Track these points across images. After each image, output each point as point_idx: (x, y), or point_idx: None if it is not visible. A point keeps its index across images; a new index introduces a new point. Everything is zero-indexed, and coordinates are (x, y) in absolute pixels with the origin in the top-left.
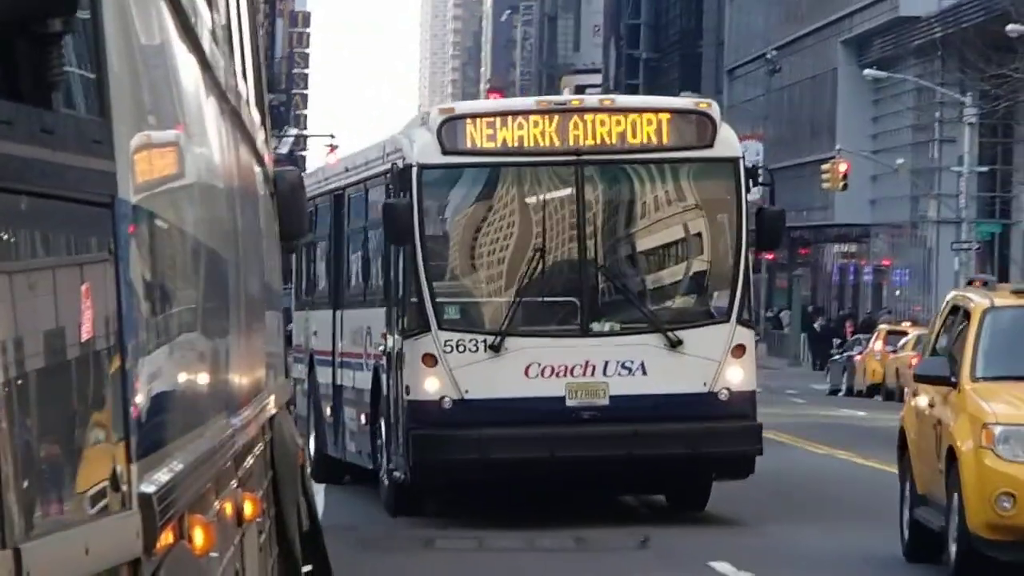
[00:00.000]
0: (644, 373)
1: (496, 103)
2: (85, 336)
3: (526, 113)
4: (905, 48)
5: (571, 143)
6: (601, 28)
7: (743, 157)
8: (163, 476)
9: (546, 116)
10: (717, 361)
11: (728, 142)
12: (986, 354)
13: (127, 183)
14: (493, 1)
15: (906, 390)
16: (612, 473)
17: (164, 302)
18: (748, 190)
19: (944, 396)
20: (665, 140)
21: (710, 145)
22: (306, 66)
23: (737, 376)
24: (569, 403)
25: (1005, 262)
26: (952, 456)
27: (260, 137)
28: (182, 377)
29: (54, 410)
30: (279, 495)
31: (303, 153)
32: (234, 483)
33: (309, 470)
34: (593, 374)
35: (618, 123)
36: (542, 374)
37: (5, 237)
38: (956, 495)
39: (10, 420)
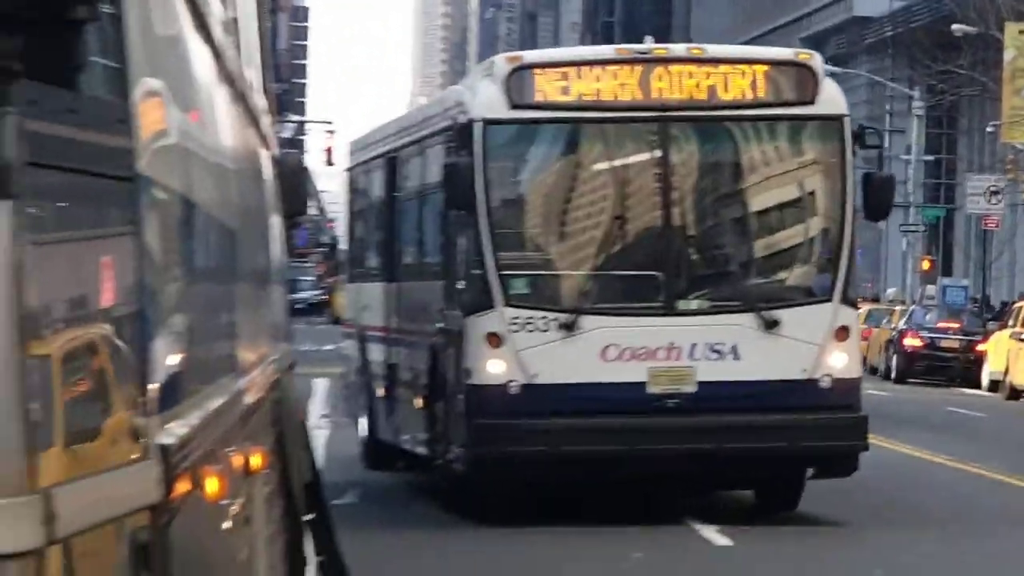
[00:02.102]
0: (736, 357)
1: (571, 51)
2: (109, 300)
3: (604, 63)
4: (858, 46)
5: (655, 97)
6: (579, 25)
7: (849, 116)
8: (179, 430)
9: (627, 67)
10: (818, 345)
11: (832, 98)
12: None
13: (146, 160)
14: (479, 3)
15: None
16: (698, 469)
17: (179, 270)
18: (855, 153)
19: None
20: (761, 95)
21: (811, 102)
22: (305, 57)
23: (840, 362)
24: (651, 390)
25: (948, 244)
26: None
27: (265, 122)
28: (196, 339)
29: (82, 367)
30: (283, 450)
31: (303, 138)
32: (243, 438)
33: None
34: (679, 358)
35: (708, 75)
36: (621, 357)
37: (34, 210)
38: None
39: (43, 376)
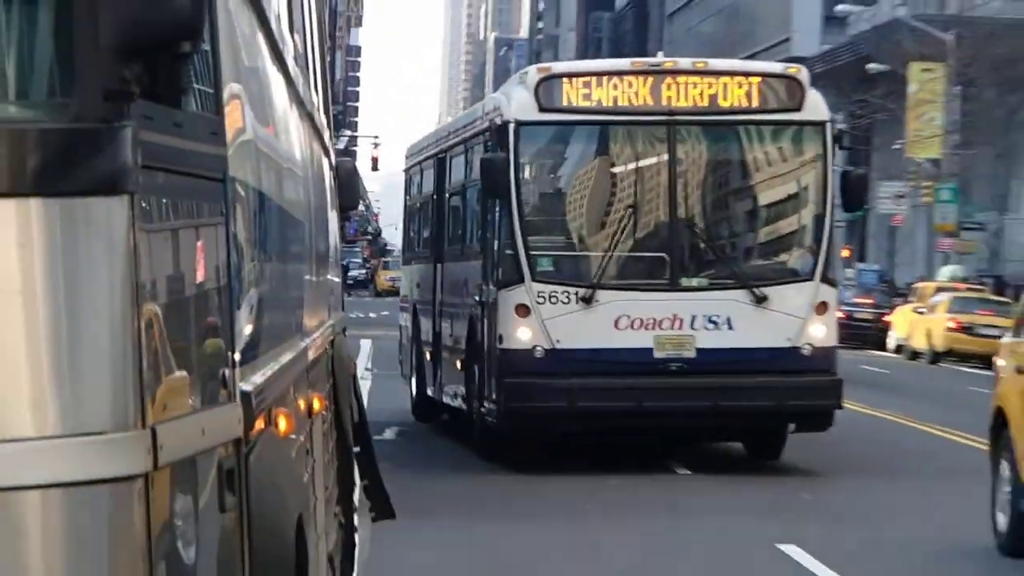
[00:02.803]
0: (730, 328)
1: (592, 63)
2: (204, 276)
3: (621, 74)
4: None
5: (664, 104)
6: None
7: (831, 121)
8: (257, 379)
9: (640, 77)
10: (801, 318)
11: (816, 106)
12: None
13: (234, 164)
14: (494, 40)
15: (1001, 363)
16: (697, 424)
17: (259, 252)
18: (834, 153)
19: None
20: (755, 103)
21: (799, 109)
22: (357, 85)
23: (820, 332)
24: (657, 355)
25: (864, 236)
26: None
27: (326, 135)
28: (270, 307)
29: (183, 329)
30: (337, 396)
31: (354, 148)
32: (306, 386)
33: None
34: (681, 327)
35: (710, 85)
36: (631, 326)
37: (145, 204)
38: None
39: (151, 335)
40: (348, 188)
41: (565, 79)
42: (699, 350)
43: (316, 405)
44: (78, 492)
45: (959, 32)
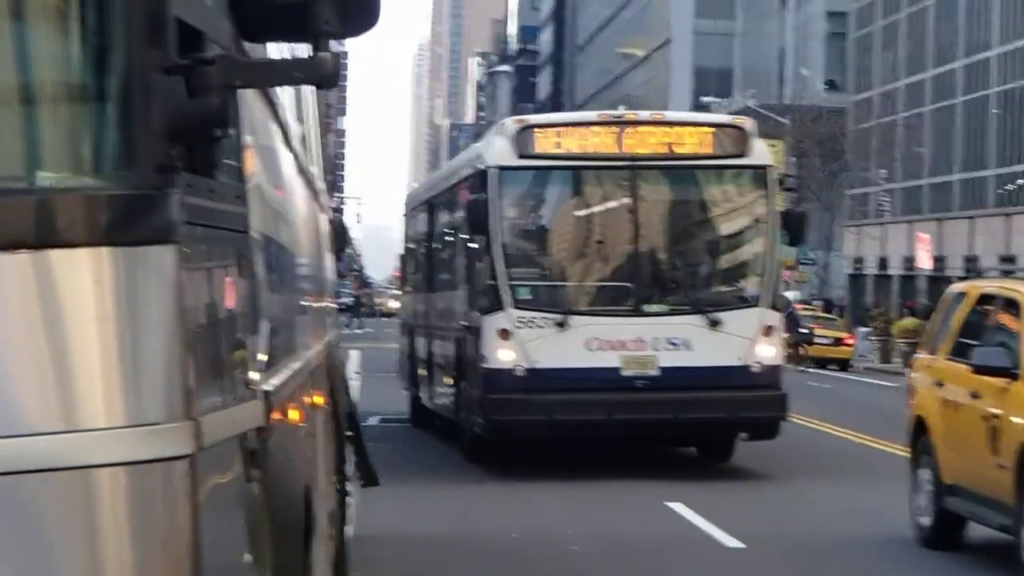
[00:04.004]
0: (688, 348)
1: (562, 116)
2: (233, 304)
3: (588, 124)
4: None
5: (626, 150)
6: None
7: (773, 166)
8: (275, 381)
9: (605, 127)
10: (750, 339)
11: (760, 152)
12: None
13: (254, 220)
14: (448, 125)
15: (914, 375)
16: (659, 433)
17: (273, 285)
18: (777, 194)
19: (1002, 389)
20: (706, 149)
21: (744, 155)
22: (343, 159)
23: (768, 352)
24: (624, 373)
25: None
26: None
27: (322, 196)
28: (283, 326)
29: (217, 344)
30: (333, 393)
31: (343, 207)
32: (311, 385)
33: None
34: (645, 348)
35: (666, 134)
36: (601, 348)
37: (188, 250)
38: None
39: (194, 349)
40: (339, 236)
41: (539, 129)
42: (661, 368)
43: (318, 400)
44: (139, 470)
45: (792, 116)
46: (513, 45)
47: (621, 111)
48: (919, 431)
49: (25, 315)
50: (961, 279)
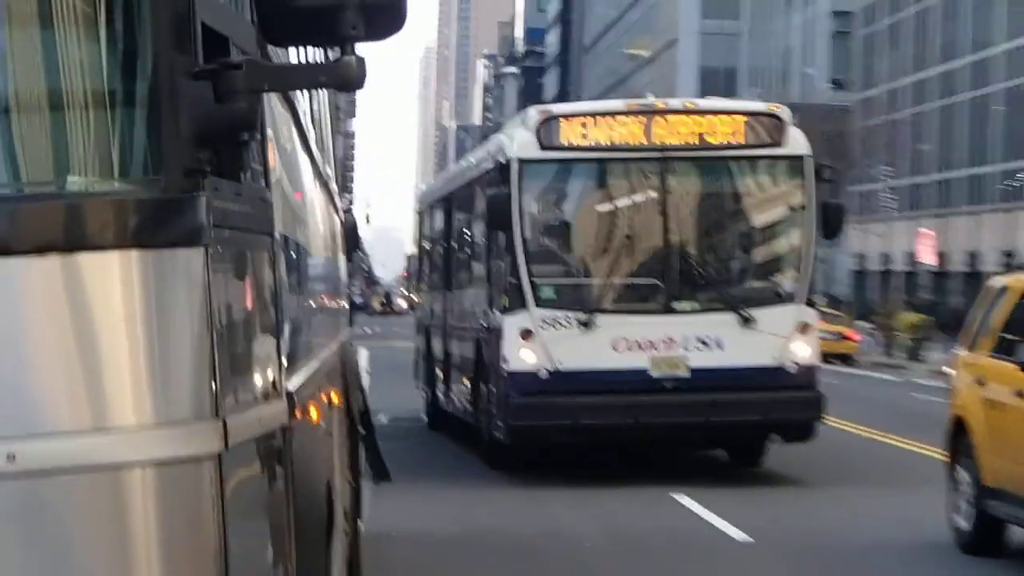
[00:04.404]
0: (720, 348)
1: (589, 105)
2: (258, 304)
3: (615, 114)
4: None
5: (656, 141)
6: None
7: (810, 155)
8: (297, 380)
9: (633, 116)
10: (785, 338)
11: (797, 141)
12: None
13: (277, 222)
14: (455, 127)
15: (955, 375)
16: (689, 436)
17: (295, 286)
18: (816, 186)
19: None
20: (741, 139)
21: (780, 144)
22: (353, 160)
23: (803, 351)
24: (653, 374)
25: None
26: None
27: (336, 199)
28: (304, 327)
29: (244, 344)
30: (347, 391)
31: (352, 207)
32: (328, 384)
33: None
34: (674, 348)
35: (698, 124)
36: (628, 348)
37: (216, 253)
38: None
39: (222, 350)
40: (352, 237)
41: (563, 119)
42: (691, 369)
43: (335, 398)
44: (168, 468)
45: (798, 115)
46: (520, 47)
47: (650, 99)
48: (958, 432)
49: (56, 317)
50: (966, 275)
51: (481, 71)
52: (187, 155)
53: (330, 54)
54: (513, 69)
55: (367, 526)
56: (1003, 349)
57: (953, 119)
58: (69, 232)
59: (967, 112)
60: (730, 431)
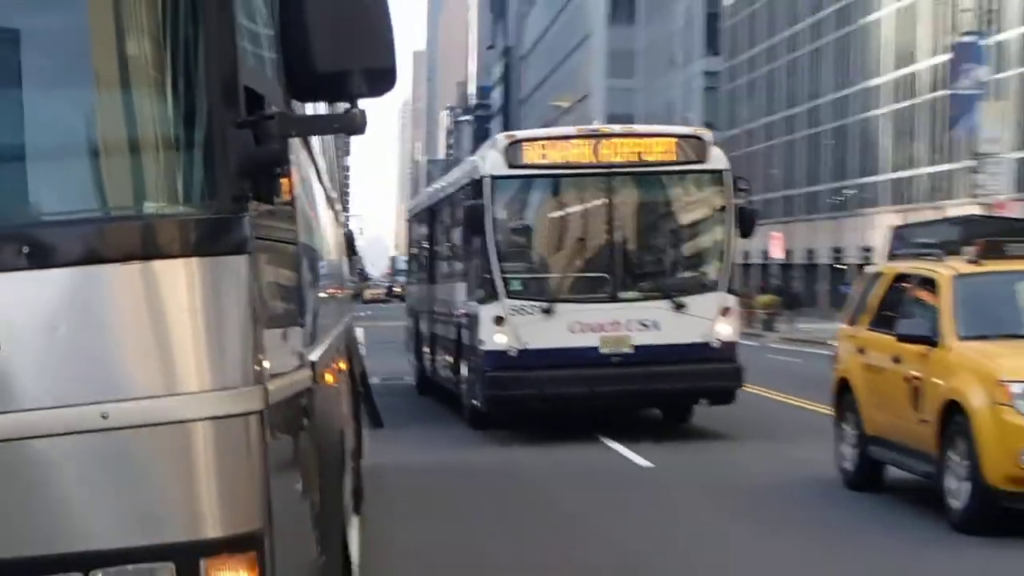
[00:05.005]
0: (658, 329)
1: (546, 131)
2: (289, 296)
3: (568, 138)
4: None
5: (603, 160)
6: None
7: (730, 169)
8: (317, 353)
9: (583, 140)
10: (711, 320)
11: (718, 158)
12: (963, 317)
13: (300, 235)
14: (426, 160)
15: (839, 345)
16: (634, 401)
17: (314, 278)
18: (733, 194)
19: (922, 355)
20: (672, 157)
21: (705, 160)
22: (348, 187)
23: (726, 330)
24: (602, 351)
25: None
26: (951, 411)
27: (340, 216)
28: (321, 312)
29: (279, 327)
30: (351, 359)
31: (348, 221)
32: (339, 354)
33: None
34: (620, 330)
35: (637, 144)
36: (582, 330)
37: (257, 259)
38: (964, 449)
39: (262, 332)
40: (350, 244)
41: (526, 143)
42: (635, 347)
43: (344, 366)
44: (223, 423)
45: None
46: (473, 101)
47: (596, 126)
48: (843, 391)
49: (137, 311)
50: (830, 267)
51: (444, 119)
52: (234, 185)
53: (338, 107)
54: (468, 117)
55: (366, 461)
56: (879, 323)
57: (794, 151)
58: (146, 245)
59: (804, 145)
60: (667, 397)
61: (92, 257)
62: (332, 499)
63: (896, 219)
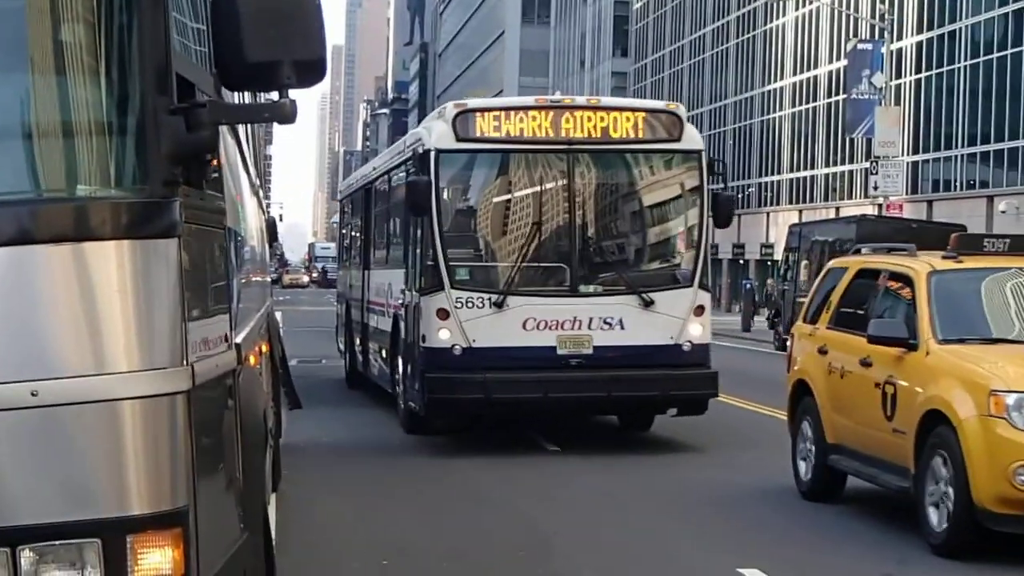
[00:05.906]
0: (622, 328)
1: (502, 100)
2: (216, 279)
3: (526, 108)
4: None
5: (563, 135)
6: None
7: (704, 150)
8: (242, 335)
9: (543, 111)
10: (682, 319)
11: (693, 137)
12: (942, 317)
13: (228, 219)
14: (342, 151)
15: (795, 344)
16: (593, 409)
17: (239, 262)
18: (708, 178)
19: (897, 358)
20: (641, 134)
21: (678, 139)
22: (270, 175)
23: (698, 331)
24: (559, 352)
25: None
26: (932, 421)
27: (263, 201)
28: (246, 295)
29: (206, 309)
30: (271, 343)
31: (270, 207)
32: (261, 337)
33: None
34: (580, 328)
35: (602, 119)
36: (537, 327)
37: (186, 242)
38: (947, 464)
39: (191, 314)
40: (272, 230)
41: (478, 113)
42: (595, 347)
43: (265, 348)
44: (151, 401)
45: None
46: (390, 95)
47: (558, 96)
48: (799, 394)
49: (68, 291)
50: (732, 261)
51: (362, 111)
52: (165, 170)
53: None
54: (385, 110)
55: (283, 440)
56: (843, 321)
57: (724, 149)
58: (78, 227)
59: (708, 145)
60: (631, 405)
61: (24, 238)
62: (255, 478)
63: (794, 217)
